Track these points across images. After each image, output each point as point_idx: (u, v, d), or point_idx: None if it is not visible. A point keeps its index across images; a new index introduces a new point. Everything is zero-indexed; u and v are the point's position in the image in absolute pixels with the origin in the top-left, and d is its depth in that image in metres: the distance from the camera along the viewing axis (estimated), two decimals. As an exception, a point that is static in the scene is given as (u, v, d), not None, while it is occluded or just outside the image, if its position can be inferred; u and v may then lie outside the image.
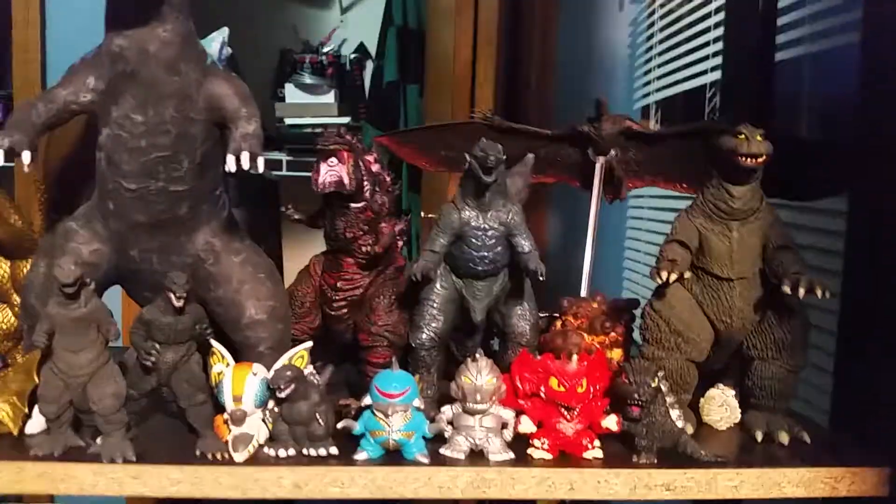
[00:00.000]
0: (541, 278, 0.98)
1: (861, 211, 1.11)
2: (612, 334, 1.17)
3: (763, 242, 1.03)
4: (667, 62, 2.77)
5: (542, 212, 2.76)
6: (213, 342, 0.97)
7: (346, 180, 1.01)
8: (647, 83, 2.96)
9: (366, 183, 1.04)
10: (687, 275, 1.01)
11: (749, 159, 0.97)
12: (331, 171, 1.00)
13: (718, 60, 2.24)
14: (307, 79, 3.62)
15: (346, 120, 3.60)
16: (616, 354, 1.17)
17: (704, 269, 1.05)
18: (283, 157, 3.25)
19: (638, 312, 1.16)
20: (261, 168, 0.87)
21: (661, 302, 1.06)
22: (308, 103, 3.64)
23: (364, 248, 1.05)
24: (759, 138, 0.98)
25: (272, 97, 3.52)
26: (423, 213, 2.85)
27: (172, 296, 0.91)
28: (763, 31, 1.43)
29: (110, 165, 0.93)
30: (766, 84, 1.44)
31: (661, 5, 2.83)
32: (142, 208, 0.95)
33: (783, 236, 1.03)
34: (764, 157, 0.98)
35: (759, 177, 1.01)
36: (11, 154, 0.85)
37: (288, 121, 3.59)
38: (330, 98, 3.67)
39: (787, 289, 0.96)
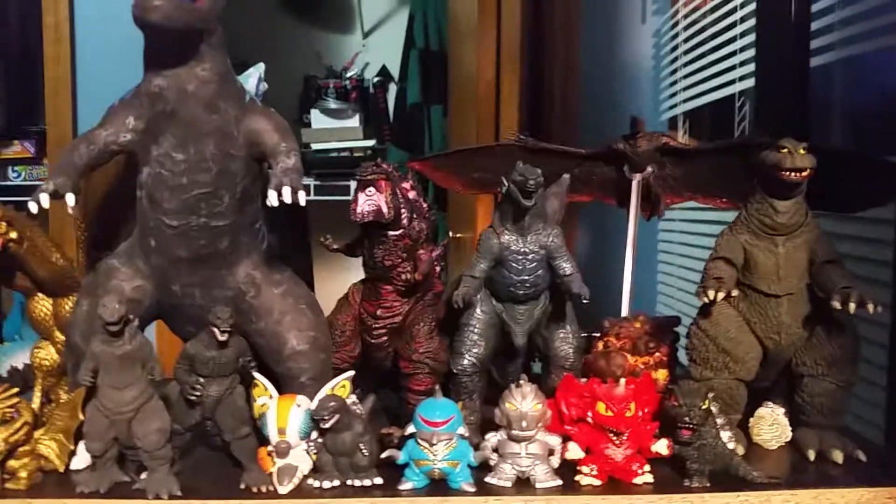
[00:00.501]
0: (585, 301, 0.97)
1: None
2: (657, 354, 1.15)
3: (810, 257, 1.01)
4: (693, 73, 2.75)
5: (572, 228, 2.74)
6: (256, 374, 0.97)
7: (385, 209, 1.01)
8: (674, 94, 2.93)
9: (403, 210, 1.04)
10: (734, 293, 0.99)
11: (793, 174, 0.96)
12: (369, 201, 1.00)
13: (747, 69, 2.21)
14: (332, 104, 3.66)
15: (371, 143, 3.63)
16: (661, 375, 1.14)
17: (751, 286, 1.03)
18: (311, 182, 3.28)
19: (682, 331, 1.14)
20: (302, 202, 0.87)
21: (707, 321, 1.04)
22: (334, 128, 3.67)
23: (404, 276, 1.05)
24: (802, 152, 0.96)
25: (298, 123, 3.56)
26: (450, 233, 2.84)
27: (217, 330, 0.91)
28: (797, 37, 1.40)
29: (151, 203, 0.94)
30: (801, 91, 1.41)
31: (685, 16, 2.81)
32: (183, 244, 0.96)
33: (829, 250, 1.01)
34: (808, 171, 0.96)
35: (803, 191, 0.99)
36: (56, 196, 0.86)
37: (314, 146, 3.62)
38: (355, 122, 3.70)
39: (836, 304, 0.94)
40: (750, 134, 1.17)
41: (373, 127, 3.68)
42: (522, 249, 0.99)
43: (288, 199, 0.86)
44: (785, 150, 0.96)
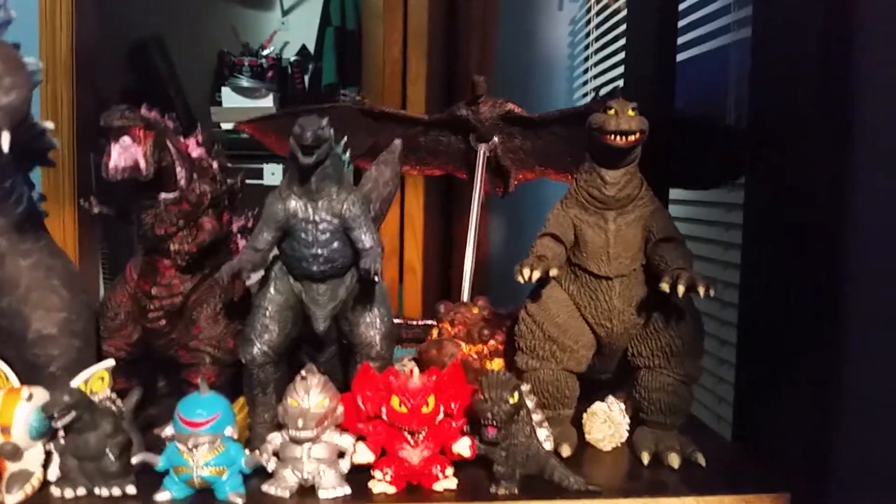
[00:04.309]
0: (375, 279, 0.83)
1: (756, 203, 0.98)
2: (492, 342, 1.03)
3: (645, 235, 0.90)
4: (602, 60, 2.70)
5: (484, 214, 2.63)
6: (-1, 362, 0.82)
7: (143, 164, 0.85)
8: (586, 82, 2.87)
9: (178, 168, 0.89)
10: (554, 272, 0.86)
11: (619, 137, 0.84)
12: (124, 154, 0.84)
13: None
14: (245, 82, 3.50)
15: (284, 124, 3.46)
16: (496, 365, 1.02)
17: (581, 267, 0.91)
18: (220, 164, 3.10)
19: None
20: (5, 146, 0.71)
21: (535, 305, 0.92)
22: (245, 107, 3.51)
23: (175, 247, 0.89)
24: (631, 113, 0.84)
25: (209, 101, 3.40)
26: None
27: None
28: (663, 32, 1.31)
29: None
30: (666, 82, 1.32)
31: (597, 1, 2.75)
32: None
33: (667, 227, 0.89)
34: (637, 134, 0.84)
35: (635, 158, 0.87)
36: None
37: (224, 125, 3.46)
38: (269, 102, 3.55)
39: (664, 286, 0.82)
40: (597, 98, 1.05)
41: (289, 107, 3.53)
42: (312, 218, 0.85)
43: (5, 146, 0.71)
44: (611, 111, 0.84)
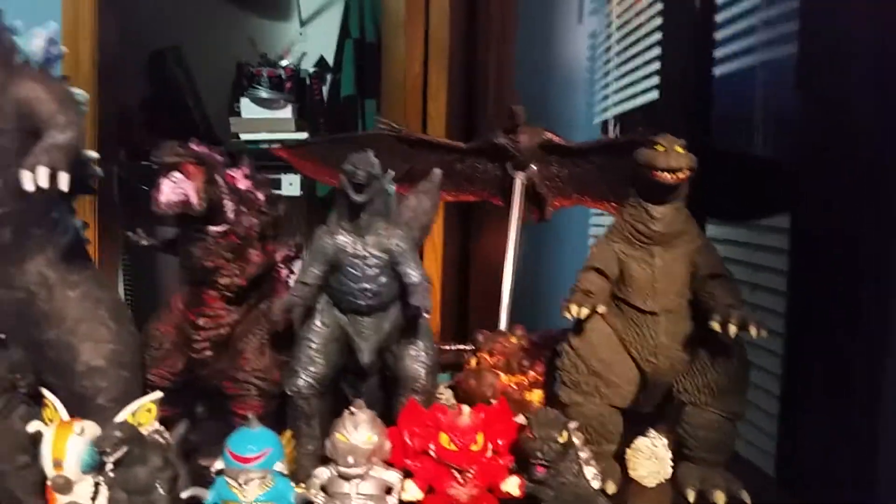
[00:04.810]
0: (426, 315, 0.83)
1: (804, 228, 0.97)
2: (531, 373, 1.02)
3: (691, 270, 0.89)
4: (623, 75, 2.68)
5: (503, 234, 2.63)
6: (46, 392, 0.83)
7: (195, 199, 0.85)
8: (606, 97, 2.86)
9: (227, 202, 0.89)
10: (601, 309, 0.86)
11: (668, 174, 0.84)
12: (176, 189, 0.85)
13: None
14: (264, 93, 3.51)
15: (304, 135, 3.49)
16: (536, 396, 1.02)
17: (626, 301, 0.91)
18: (239, 174, 3.12)
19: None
20: (63, 186, 0.72)
21: (579, 339, 0.91)
22: (264, 118, 3.52)
23: (224, 280, 0.90)
24: (678, 149, 0.84)
25: (228, 112, 3.41)
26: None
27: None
28: (700, 46, 1.30)
29: None
30: (704, 100, 1.31)
31: (618, 16, 2.73)
32: None
33: (714, 263, 0.89)
34: (685, 171, 0.84)
35: (682, 194, 0.87)
36: None
37: (243, 136, 3.47)
38: (287, 113, 3.56)
39: (716, 325, 0.82)
40: (641, 132, 1.06)
41: (308, 119, 3.54)
42: (361, 253, 0.85)
43: (43, 182, 0.71)
44: (660, 148, 0.84)
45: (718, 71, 1.33)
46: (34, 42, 0.84)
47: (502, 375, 1.03)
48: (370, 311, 0.89)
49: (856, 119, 0.86)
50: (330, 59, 3.52)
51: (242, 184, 0.93)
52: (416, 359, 0.90)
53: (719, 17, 1.38)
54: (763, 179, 1.03)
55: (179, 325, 0.94)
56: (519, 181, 1.11)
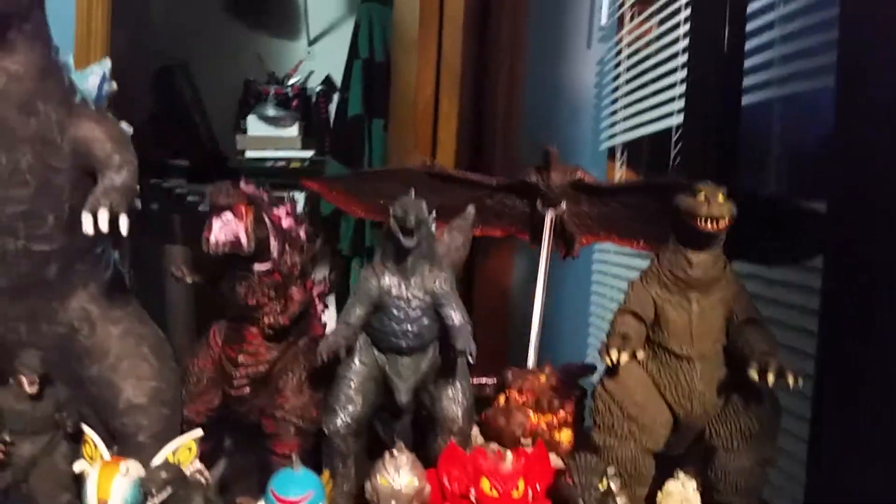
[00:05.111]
0: (470, 360, 0.84)
1: (838, 267, 0.98)
2: (561, 413, 1.03)
3: (727, 316, 0.91)
4: (633, 103, 2.69)
5: (507, 259, 2.64)
6: (87, 429, 0.83)
7: (245, 239, 0.86)
8: (614, 124, 2.88)
9: (272, 241, 0.90)
10: (640, 355, 0.88)
11: (709, 223, 0.85)
12: (225, 228, 0.85)
13: (683, 103, 2.14)
14: (270, 111, 3.52)
15: (309, 154, 3.51)
16: (565, 436, 1.03)
17: (661, 345, 0.92)
18: (243, 191, 3.13)
19: (590, 384, 1.03)
20: (124, 230, 0.73)
21: (613, 382, 0.92)
22: (270, 136, 3.54)
23: (269, 319, 0.91)
24: (720, 199, 0.86)
25: (234, 129, 3.42)
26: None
27: (24, 380, 0.76)
28: (728, 73, 1.32)
29: None
30: (731, 130, 1.32)
31: (629, 44, 2.75)
32: (1, 272, 0.81)
33: (749, 309, 0.90)
34: (726, 220, 0.85)
35: (721, 241, 0.89)
36: None
37: (249, 153, 3.48)
38: (293, 131, 3.57)
39: (753, 374, 0.83)
40: (672, 173, 1.07)
41: (313, 137, 3.55)
42: (405, 295, 0.86)
43: (104, 226, 0.72)
44: (701, 196, 0.86)
45: (746, 100, 1.34)
46: (90, 80, 0.85)
47: (532, 414, 1.03)
48: (410, 351, 0.90)
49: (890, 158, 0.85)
50: (337, 78, 3.54)
51: (286, 222, 0.94)
52: (454, 400, 0.91)
53: (749, 45, 1.40)
54: (793, 221, 1.04)
55: (217, 360, 0.95)
56: (549, 218, 1.12)
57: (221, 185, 0.86)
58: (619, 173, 2.82)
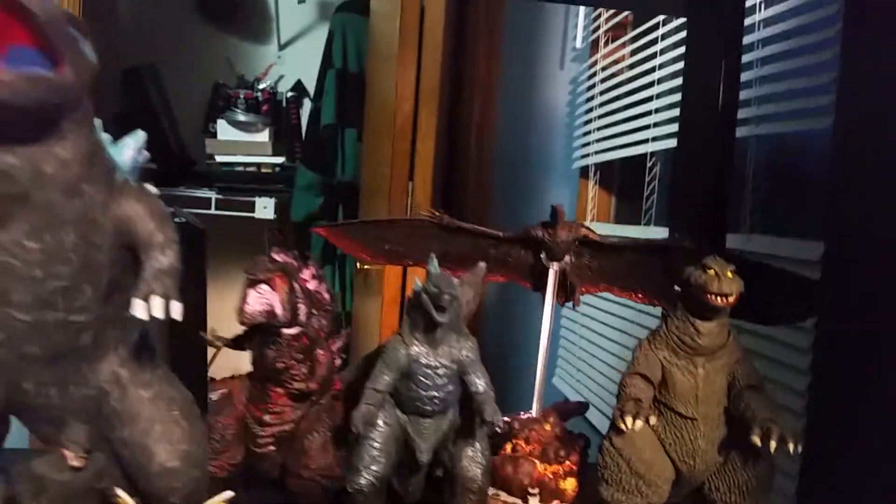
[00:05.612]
0: (498, 430, 0.89)
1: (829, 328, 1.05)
2: (567, 462, 1.08)
3: (729, 380, 0.97)
4: (607, 126, 2.76)
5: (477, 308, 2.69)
6: (119, 491, 0.84)
7: (280, 310, 0.89)
8: (587, 144, 2.95)
9: (301, 305, 0.93)
10: (653, 420, 0.94)
11: (720, 298, 0.91)
12: (261, 300, 0.88)
13: (660, 131, 2.22)
14: (241, 116, 3.49)
15: (280, 160, 3.48)
16: (570, 485, 1.08)
17: (667, 405, 0.98)
18: (213, 196, 3.14)
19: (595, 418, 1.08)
20: (177, 315, 0.75)
21: (621, 439, 0.98)
22: (241, 141, 3.50)
23: (297, 383, 0.93)
24: (729, 275, 0.92)
25: (203, 131, 3.37)
26: (358, 265, 2.73)
27: (70, 454, 0.77)
28: (724, 105, 1.37)
29: None
30: (722, 161, 1.38)
31: (603, 68, 2.83)
32: (37, 340, 0.81)
33: (751, 374, 0.97)
34: (735, 296, 0.91)
35: (727, 312, 0.95)
36: None
37: (219, 158, 3.44)
38: (264, 136, 3.54)
39: (756, 439, 0.90)
40: (670, 236, 1.14)
41: (283, 143, 3.52)
42: (433, 363, 0.90)
43: (159, 313, 0.74)
44: (711, 272, 0.92)
45: (739, 133, 1.40)
46: (125, 153, 0.85)
47: (538, 464, 1.08)
48: (433, 414, 0.93)
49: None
50: (307, 83, 3.52)
51: (311, 284, 0.96)
52: (474, 459, 0.95)
53: (745, 76, 1.46)
54: (784, 285, 1.11)
55: (241, 418, 0.97)
56: (553, 271, 1.17)
57: (259, 260, 0.89)
58: (591, 192, 2.89)
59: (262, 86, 3.55)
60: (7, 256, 0.77)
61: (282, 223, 3.45)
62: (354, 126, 3.12)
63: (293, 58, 3.73)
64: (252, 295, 0.88)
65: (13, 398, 0.86)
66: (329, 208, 3.22)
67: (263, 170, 3.49)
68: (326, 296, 0.99)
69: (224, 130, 3.46)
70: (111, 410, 0.87)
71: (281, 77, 3.68)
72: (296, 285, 0.92)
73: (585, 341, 2.60)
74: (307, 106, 3.52)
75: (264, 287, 0.88)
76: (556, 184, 3.03)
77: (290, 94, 3.61)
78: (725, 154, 1.36)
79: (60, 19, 0.72)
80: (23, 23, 0.68)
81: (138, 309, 0.74)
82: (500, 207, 2.88)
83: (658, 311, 1.23)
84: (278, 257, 0.92)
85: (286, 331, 0.93)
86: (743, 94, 1.44)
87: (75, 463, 0.78)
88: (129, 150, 0.86)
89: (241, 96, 3.49)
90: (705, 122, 1.37)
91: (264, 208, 3.40)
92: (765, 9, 1.61)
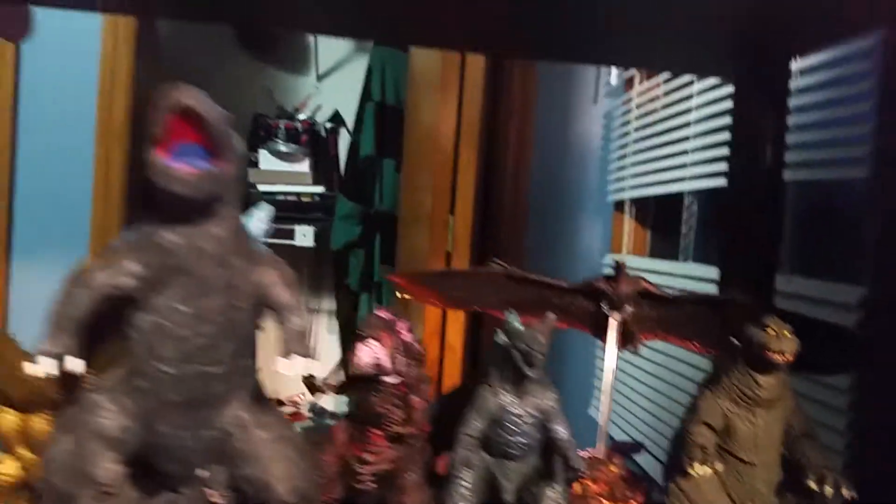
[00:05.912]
0: (580, 476, 0.98)
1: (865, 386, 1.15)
2: (632, 502, 1.18)
3: (785, 428, 1.07)
4: (643, 162, 2.82)
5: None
6: (242, 524, 0.95)
7: (387, 363, 1.00)
8: (622, 178, 3.01)
9: (399, 356, 1.04)
10: (720, 468, 1.03)
11: (779, 356, 1.01)
12: (372, 354, 0.99)
13: (698, 171, 2.30)
14: (282, 146, 3.61)
15: (320, 189, 3.60)
16: (634, 524, 1.17)
17: (728, 451, 1.07)
18: (255, 224, 3.23)
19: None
20: (316, 371, 0.85)
21: (688, 483, 1.07)
22: (283, 171, 3.63)
23: (395, 428, 1.04)
24: (787, 334, 1.01)
25: (246, 163, 3.50)
26: (398, 294, 2.84)
27: (216, 495, 0.88)
28: (772, 149, 1.46)
29: (149, 350, 0.90)
30: (773, 204, 1.47)
31: (638, 105, 2.90)
32: (177, 389, 0.92)
33: (806, 423, 1.07)
34: (793, 354, 1.01)
35: (786, 367, 1.04)
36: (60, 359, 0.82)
37: (261, 187, 3.56)
38: (304, 167, 3.66)
39: (812, 485, 0.99)
40: (724, 292, 1.24)
41: (322, 172, 3.64)
42: (520, 412, 1.01)
43: (302, 371, 0.85)
44: (771, 332, 1.01)
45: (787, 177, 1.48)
46: (254, 224, 0.97)
47: (606, 503, 1.18)
48: (518, 458, 1.03)
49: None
50: (345, 113, 3.64)
51: (406, 336, 1.07)
52: (555, 500, 1.05)
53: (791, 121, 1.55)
54: (824, 338, 1.20)
55: (343, 456, 1.08)
56: (616, 322, 1.27)
57: (371, 318, 1.00)
58: (627, 226, 2.98)
59: (301, 116, 3.68)
60: (161, 318, 0.88)
61: (317, 252, 3.55)
62: (392, 157, 3.23)
63: (330, 88, 3.86)
64: (363, 349, 0.99)
65: (149, 440, 0.97)
66: (367, 236, 3.32)
67: (303, 199, 3.60)
68: (418, 347, 1.09)
69: (266, 160, 3.59)
70: (233, 450, 0.98)
71: (319, 107, 3.80)
72: (397, 340, 1.03)
73: (624, 374, 2.68)
74: (345, 135, 3.64)
75: (374, 343, 0.99)
76: (591, 217, 3.12)
77: (328, 124, 3.73)
78: (776, 198, 1.46)
79: (222, 120, 0.83)
80: (195, 126, 0.80)
81: (283, 366, 0.85)
82: (535, 239, 2.97)
83: (687, 353, 1.33)
84: (385, 317, 1.03)
85: (387, 379, 1.03)
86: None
87: (218, 501, 0.88)
88: (257, 221, 0.97)
89: (282, 126, 3.62)
90: (755, 167, 1.46)
91: (304, 236, 3.52)
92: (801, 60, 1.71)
